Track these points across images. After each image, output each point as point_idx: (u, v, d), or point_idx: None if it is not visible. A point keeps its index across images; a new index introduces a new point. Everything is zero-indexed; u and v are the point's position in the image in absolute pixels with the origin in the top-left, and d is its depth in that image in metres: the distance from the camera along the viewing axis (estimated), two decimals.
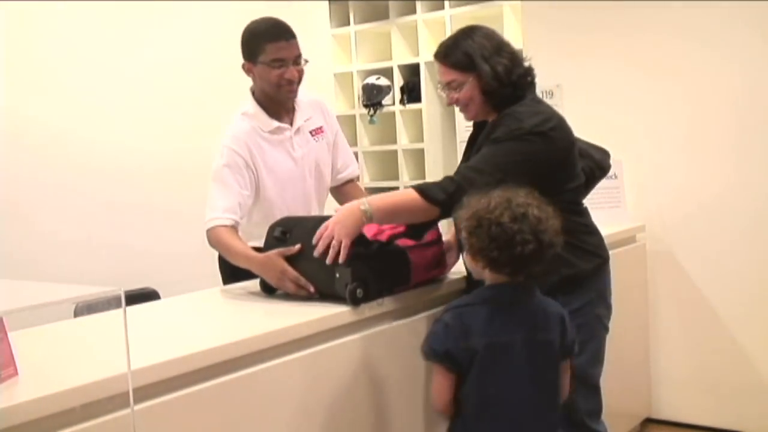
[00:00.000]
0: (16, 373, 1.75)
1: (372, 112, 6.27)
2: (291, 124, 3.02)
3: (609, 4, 4.03)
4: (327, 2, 6.21)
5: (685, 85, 3.89)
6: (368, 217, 2.31)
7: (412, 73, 6.22)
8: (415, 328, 2.45)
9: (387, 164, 6.44)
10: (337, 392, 2.29)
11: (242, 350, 2.03)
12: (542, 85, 4.31)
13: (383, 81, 6.24)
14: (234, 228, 2.82)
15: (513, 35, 5.59)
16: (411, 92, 6.20)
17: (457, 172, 2.41)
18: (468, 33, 2.50)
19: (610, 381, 2.71)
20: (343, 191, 3.28)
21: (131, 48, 4.61)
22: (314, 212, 3.15)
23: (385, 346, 2.43)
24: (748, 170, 3.76)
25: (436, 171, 6.14)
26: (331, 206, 3.32)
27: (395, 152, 6.29)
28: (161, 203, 4.73)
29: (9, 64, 4.04)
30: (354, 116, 6.41)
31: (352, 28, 6.39)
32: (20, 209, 4.12)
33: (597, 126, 4.12)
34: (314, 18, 5.82)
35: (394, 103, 6.26)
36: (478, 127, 2.62)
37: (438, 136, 6.20)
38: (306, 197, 3.09)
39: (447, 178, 2.39)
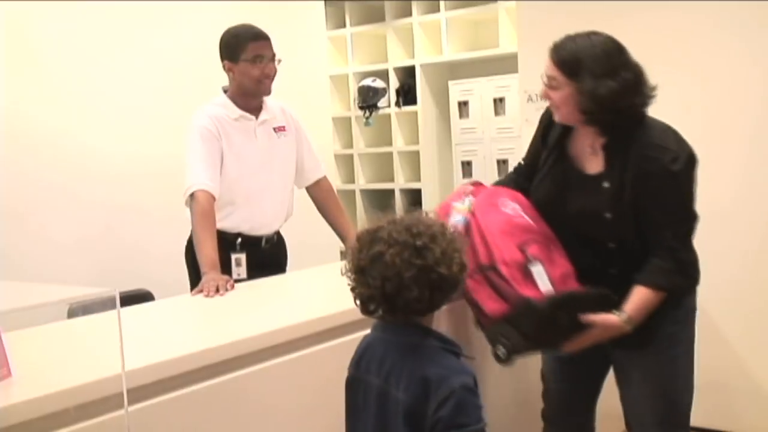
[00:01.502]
0: (10, 374, 1.75)
1: (367, 114, 6.28)
2: (256, 118, 3.21)
3: (604, 5, 4.04)
4: (323, 4, 6.22)
5: (676, 91, 3.90)
6: (628, 323, 2.23)
7: (407, 75, 6.23)
8: None
9: (382, 166, 6.46)
10: (333, 394, 2.29)
11: (236, 351, 2.03)
12: (536, 87, 4.35)
13: (379, 83, 6.26)
14: (213, 199, 3.02)
15: (508, 37, 5.62)
16: (406, 94, 6.22)
17: (662, 245, 2.27)
18: (592, 37, 2.28)
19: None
20: (315, 191, 3.47)
21: (127, 50, 4.60)
22: (277, 204, 3.28)
23: None
24: (745, 176, 3.77)
25: (431, 173, 6.16)
26: (301, 205, 3.38)
27: (390, 154, 6.30)
28: (155, 205, 4.72)
29: (6, 64, 4.04)
30: (349, 118, 6.43)
31: (348, 30, 6.41)
32: (14, 210, 4.11)
33: None
34: (310, 20, 5.82)
35: (389, 105, 6.27)
36: (558, 128, 2.44)
37: (433, 138, 6.22)
38: (268, 187, 3.23)
39: (661, 259, 2.26)
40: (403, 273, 1.67)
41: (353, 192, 6.50)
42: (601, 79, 2.22)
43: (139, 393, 1.80)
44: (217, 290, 2.68)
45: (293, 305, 2.72)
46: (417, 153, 6.20)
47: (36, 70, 4.23)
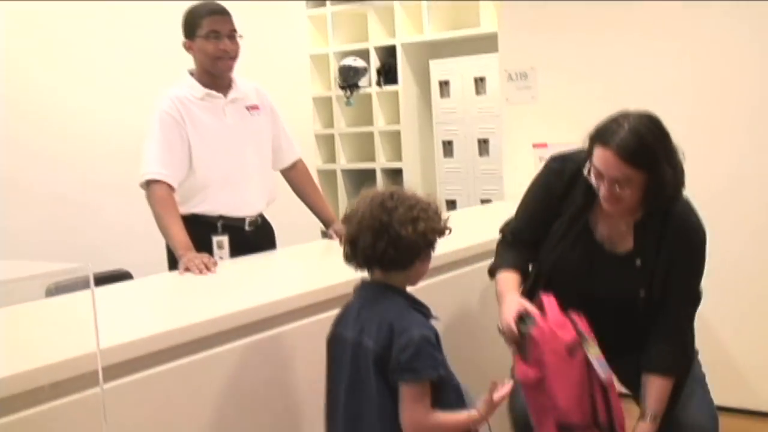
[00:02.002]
0: None
1: (348, 93, 6.27)
2: (225, 96, 3.17)
3: None
4: None
5: (661, 68, 3.91)
6: (655, 420, 2.26)
7: (388, 54, 6.22)
8: None
9: (363, 146, 6.45)
10: (313, 369, 2.30)
11: (213, 329, 2.04)
12: (516, 66, 4.36)
13: (360, 63, 6.24)
14: (171, 189, 2.99)
15: (488, 16, 5.61)
16: (387, 74, 6.21)
17: (674, 324, 2.31)
18: (641, 120, 2.18)
19: None
20: (292, 173, 3.44)
21: (114, 31, 4.57)
22: (256, 185, 3.25)
23: None
24: (717, 155, 3.79)
25: (412, 153, 6.16)
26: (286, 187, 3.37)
27: (371, 134, 6.30)
28: (135, 183, 4.71)
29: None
30: (330, 98, 6.41)
31: (329, 9, 6.38)
32: None
33: (571, 109, 4.15)
34: None
35: (370, 85, 6.25)
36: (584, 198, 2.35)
37: (414, 118, 6.22)
38: (242, 169, 3.19)
39: (671, 343, 2.30)
40: (364, 222, 1.89)
41: (334, 172, 6.50)
42: (674, 164, 2.20)
43: (115, 371, 1.81)
44: (206, 267, 2.67)
45: (272, 283, 2.72)
46: (398, 133, 6.19)
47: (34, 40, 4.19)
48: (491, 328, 2.29)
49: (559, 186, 2.37)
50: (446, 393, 1.90)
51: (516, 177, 4.40)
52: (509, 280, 2.37)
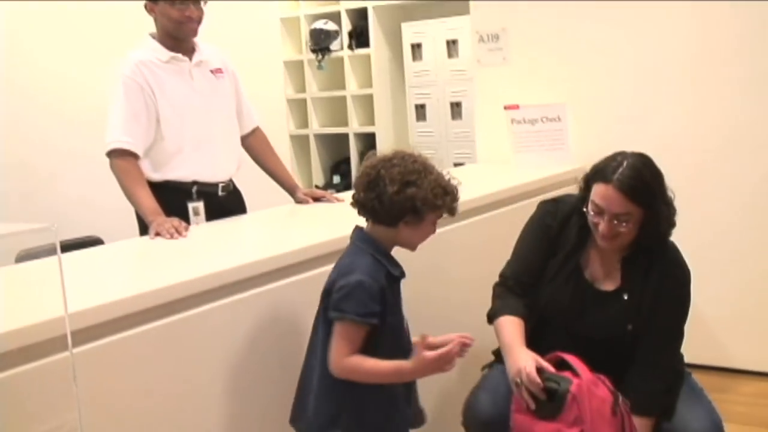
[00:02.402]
0: None
1: (320, 57, 6.21)
2: (190, 59, 3.13)
3: None
4: None
5: (631, 30, 3.91)
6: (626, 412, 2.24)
7: (360, 17, 6.16)
8: None
9: (336, 110, 6.41)
10: (283, 332, 2.30)
11: (183, 292, 2.03)
12: (488, 28, 4.35)
13: (331, 26, 6.18)
14: (136, 157, 2.97)
15: None
16: (359, 37, 6.15)
17: (657, 366, 2.33)
18: (640, 160, 2.27)
19: None
20: (251, 140, 3.40)
21: None
22: (227, 148, 3.24)
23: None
24: (690, 111, 3.82)
25: (385, 117, 6.13)
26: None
27: (344, 98, 6.25)
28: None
29: None
30: (302, 62, 6.35)
31: None
32: None
33: (541, 68, 4.15)
34: None
35: (342, 48, 6.20)
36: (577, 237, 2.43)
37: (386, 82, 6.18)
38: (212, 133, 3.17)
39: (661, 380, 2.32)
40: (366, 170, 1.98)
41: (307, 137, 6.46)
42: (667, 201, 2.30)
43: (84, 335, 1.80)
44: (177, 231, 2.66)
45: (243, 246, 2.71)
46: (370, 97, 6.16)
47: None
48: (460, 289, 2.30)
49: (554, 226, 2.45)
50: (382, 345, 1.96)
51: (488, 139, 4.41)
52: (514, 328, 2.35)
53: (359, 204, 2.01)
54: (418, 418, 2.15)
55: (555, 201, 2.52)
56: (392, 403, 2.01)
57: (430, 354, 1.94)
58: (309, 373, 2.04)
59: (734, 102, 3.72)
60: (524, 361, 2.20)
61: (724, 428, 2.32)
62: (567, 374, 2.18)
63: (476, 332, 2.31)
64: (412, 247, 2.06)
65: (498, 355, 2.47)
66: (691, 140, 3.82)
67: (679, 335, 2.38)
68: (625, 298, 2.34)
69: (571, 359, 2.23)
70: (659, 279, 2.33)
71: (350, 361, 1.93)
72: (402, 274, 2.04)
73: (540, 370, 2.16)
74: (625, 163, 2.24)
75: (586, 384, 2.14)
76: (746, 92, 3.68)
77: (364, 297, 1.92)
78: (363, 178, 1.99)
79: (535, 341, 2.34)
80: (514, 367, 2.22)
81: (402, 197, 1.93)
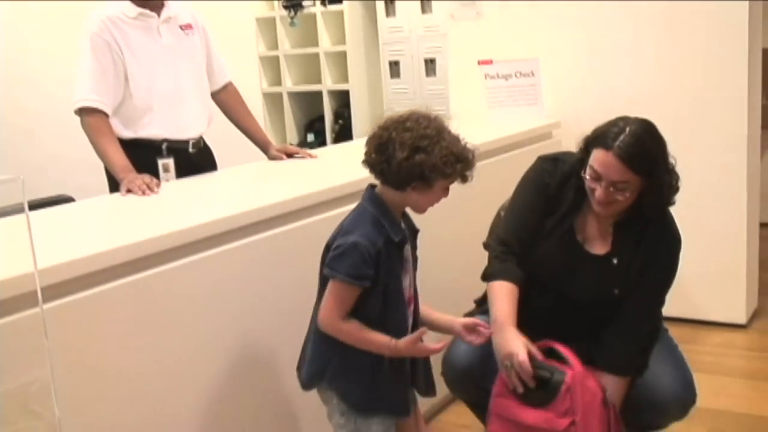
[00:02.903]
0: None
1: (292, 14, 6.14)
2: (158, 15, 3.09)
3: None
4: None
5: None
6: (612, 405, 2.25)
7: None
8: None
9: (309, 68, 6.35)
10: (257, 289, 2.31)
11: (154, 248, 2.02)
12: None
13: None
14: (107, 116, 2.95)
15: None
16: None
17: (638, 330, 2.34)
18: (641, 126, 2.22)
19: None
20: (223, 96, 3.37)
21: None
22: (197, 105, 3.22)
23: (292, 246, 2.44)
24: (666, 65, 3.82)
25: (359, 74, 6.09)
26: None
27: (317, 55, 6.20)
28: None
29: None
30: (274, 18, 6.27)
31: None
32: None
33: (515, 23, 4.14)
34: None
35: (314, 4, 6.13)
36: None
37: (360, 39, 6.13)
38: (182, 90, 3.15)
39: (637, 343, 2.33)
40: (377, 131, 1.96)
41: (280, 95, 6.40)
42: (670, 170, 2.26)
43: (55, 290, 1.79)
44: (148, 187, 2.64)
45: (215, 202, 2.70)
46: (344, 53, 6.10)
47: None
48: (436, 247, 2.30)
49: (552, 185, 2.40)
50: (373, 307, 1.97)
51: (462, 95, 4.40)
52: (508, 300, 2.30)
53: (369, 165, 1.98)
54: (431, 390, 2.16)
55: (554, 159, 2.46)
56: (378, 363, 2.00)
57: (424, 347, 1.98)
58: (311, 325, 2.07)
59: (708, 55, 3.73)
60: (516, 347, 2.17)
61: (696, 386, 2.35)
62: (558, 364, 2.19)
63: (456, 290, 2.33)
64: (420, 210, 2.04)
65: (479, 304, 2.48)
66: (663, 94, 3.83)
67: (662, 300, 2.40)
68: (615, 262, 2.34)
69: (562, 349, 2.23)
70: (652, 245, 2.32)
71: (344, 324, 1.95)
72: (403, 240, 2.01)
73: (531, 357, 2.16)
74: (627, 130, 2.18)
75: (579, 376, 2.16)
76: (720, 44, 3.69)
77: (358, 259, 1.91)
78: (374, 140, 1.96)
79: (521, 300, 2.34)
80: (504, 349, 2.19)
81: (410, 164, 1.90)
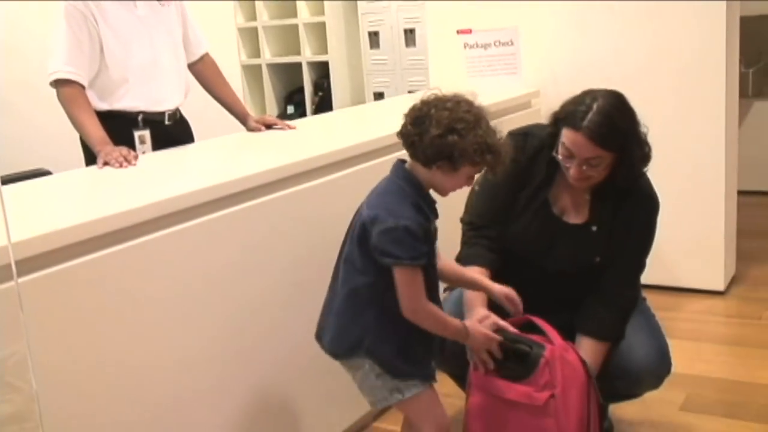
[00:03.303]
0: None
1: None
2: None
3: None
4: None
5: None
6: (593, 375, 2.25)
7: None
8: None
9: (288, 39, 6.32)
10: (237, 260, 2.30)
11: (131, 220, 2.00)
12: None
13: None
14: (83, 88, 2.92)
15: None
16: None
17: (621, 295, 2.37)
18: (620, 108, 2.22)
19: None
20: (200, 67, 3.34)
21: None
22: (173, 77, 3.18)
23: (270, 218, 2.44)
24: (643, 34, 3.82)
25: (338, 45, 6.06)
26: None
27: (296, 26, 6.16)
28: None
29: None
30: None
31: None
32: None
33: None
34: None
35: None
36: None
37: (339, 9, 6.09)
38: (158, 63, 3.12)
39: (617, 311, 2.35)
40: (418, 105, 1.96)
41: (259, 67, 6.37)
42: (641, 142, 2.25)
43: (31, 264, 1.77)
44: (126, 160, 2.62)
45: (192, 173, 2.69)
46: (323, 24, 6.07)
47: None
48: None
49: (523, 160, 2.38)
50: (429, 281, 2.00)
51: (441, 65, 4.38)
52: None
53: (403, 136, 1.98)
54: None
55: (524, 134, 2.45)
56: (411, 333, 2.01)
57: (491, 335, 2.11)
58: (332, 296, 2.09)
59: (687, 23, 3.72)
60: (479, 324, 2.18)
61: (671, 356, 2.37)
62: (537, 338, 2.19)
63: None
64: (443, 192, 2.03)
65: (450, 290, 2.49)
66: (641, 63, 3.83)
67: (642, 264, 2.41)
68: (594, 230, 2.35)
69: (541, 323, 2.23)
70: (630, 210, 2.33)
71: (429, 306, 1.98)
72: (436, 216, 2.04)
73: (503, 332, 2.17)
74: (594, 107, 2.17)
75: (559, 350, 2.16)
76: (698, 13, 3.69)
77: (413, 241, 1.92)
78: (413, 112, 1.96)
79: (501, 276, 2.34)
80: (474, 333, 2.19)
81: (442, 142, 1.90)
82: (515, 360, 2.16)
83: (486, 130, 1.94)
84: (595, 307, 2.34)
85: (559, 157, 2.25)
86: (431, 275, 2.03)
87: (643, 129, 2.27)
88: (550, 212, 2.38)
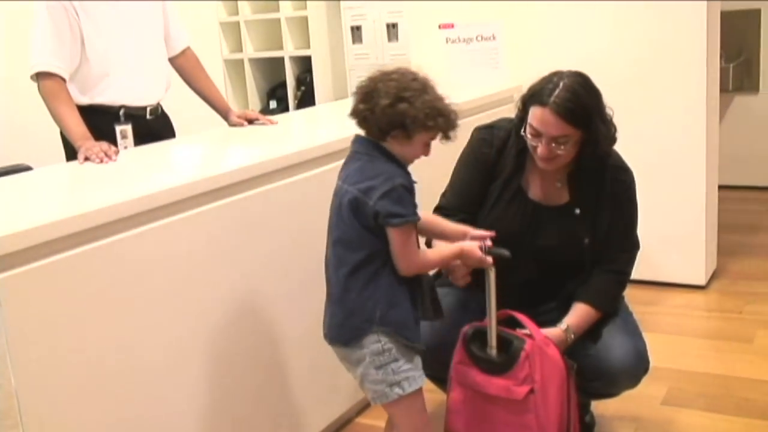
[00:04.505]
0: None
1: None
2: None
3: None
4: None
5: None
6: (571, 340, 2.29)
7: None
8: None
9: (270, 33, 6.29)
10: (220, 254, 2.29)
11: (112, 216, 1.99)
12: None
13: None
14: (64, 81, 2.90)
15: None
16: None
17: (615, 267, 2.39)
18: (577, 80, 2.23)
19: None
20: (182, 61, 3.32)
21: None
22: (154, 71, 3.17)
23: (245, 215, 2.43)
24: (625, 28, 3.83)
25: (320, 40, 6.04)
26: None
27: (278, 21, 6.13)
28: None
29: None
30: None
31: None
32: None
33: None
34: None
35: None
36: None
37: (321, 3, 6.07)
38: (139, 56, 3.10)
39: (611, 283, 2.39)
40: (365, 80, 2.01)
41: (241, 61, 6.33)
42: (606, 120, 2.27)
43: (10, 260, 1.75)
44: (106, 155, 2.60)
45: (174, 168, 2.68)
46: (305, 19, 6.04)
47: None
48: None
49: (491, 153, 2.42)
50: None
51: (424, 60, 4.37)
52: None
53: (355, 114, 2.02)
54: (438, 312, 2.16)
55: (490, 127, 2.48)
56: (417, 296, 2.07)
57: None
58: (329, 289, 2.11)
59: (668, 19, 3.74)
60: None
61: (648, 355, 2.37)
62: (518, 333, 2.20)
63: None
64: (403, 162, 2.05)
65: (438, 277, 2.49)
66: (623, 58, 3.84)
67: (635, 242, 2.43)
68: (577, 212, 2.36)
69: (521, 318, 2.23)
70: (608, 190, 2.35)
71: (423, 258, 2.05)
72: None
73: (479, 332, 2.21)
74: (561, 84, 2.20)
75: (539, 344, 2.16)
76: (679, 7, 3.70)
77: (409, 197, 1.99)
78: (362, 89, 2.01)
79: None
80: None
81: (393, 111, 1.95)
82: (497, 350, 2.17)
83: (434, 96, 2.00)
84: (595, 281, 2.36)
85: (528, 136, 2.27)
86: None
87: (608, 111, 2.29)
88: (527, 198, 2.40)
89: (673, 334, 3.45)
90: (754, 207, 5.26)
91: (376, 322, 2.01)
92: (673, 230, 3.88)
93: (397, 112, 1.95)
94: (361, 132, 2.06)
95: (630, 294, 2.53)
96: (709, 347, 3.38)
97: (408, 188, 1.99)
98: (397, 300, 2.03)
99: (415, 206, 2.00)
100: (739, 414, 2.78)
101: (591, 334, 2.35)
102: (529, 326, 2.21)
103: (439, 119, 1.98)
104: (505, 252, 2.14)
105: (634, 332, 2.39)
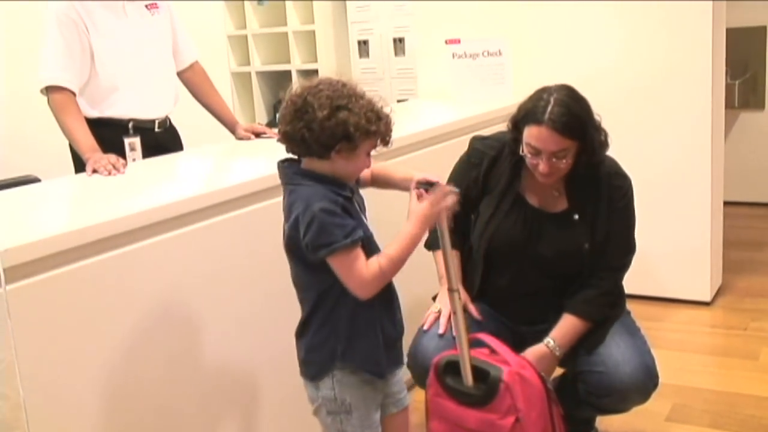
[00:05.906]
0: None
1: None
2: None
3: None
4: None
5: None
6: (558, 353, 2.32)
7: None
8: None
9: (278, 47, 6.32)
10: (224, 268, 2.30)
11: (120, 228, 2.00)
12: None
13: None
14: (74, 95, 2.93)
15: None
16: None
17: (606, 276, 2.40)
18: (567, 93, 2.26)
19: None
20: (189, 75, 3.35)
21: None
22: (163, 85, 3.20)
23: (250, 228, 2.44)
24: (631, 45, 3.84)
25: (327, 53, 6.06)
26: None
27: (285, 35, 6.16)
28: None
29: None
30: None
31: None
32: None
33: (482, 4, 4.13)
34: None
35: None
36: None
37: (329, 17, 6.10)
38: (148, 70, 3.13)
39: (601, 291, 2.38)
40: (291, 98, 1.82)
41: (249, 74, 6.37)
42: (598, 128, 2.30)
43: (19, 271, 1.77)
44: (114, 167, 2.62)
45: (181, 182, 2.69)
46: (312, 33, 6.08)
47: None
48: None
49: (485, 162, 2.44)
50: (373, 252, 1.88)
51: (430, 75, 4.40)
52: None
53: (287, 137, 1.83)
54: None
55: (486, 138, 2.52)
56: (378, 325, 1.93)
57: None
58: (298, 328, 1.99)
59: (673, 35, 3.75)
60: (442, 304, 2.30)
61: (657, 371, 2.36)
62: (491, 359, 2.12)
63: (422, 271, 2.34)
64: (350, 178, 1.92)
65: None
66: (628, 76, 3.86)
67: (632, 246, 2.43)
68: (576, 218, 2.38)
69: (490, 341, 2.18)
70: (606, 194, 2.37)
71: (374, 270, 1.82)
72: (352, 191, 1.91)
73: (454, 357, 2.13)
74: (552, 100, 2.22)
75: (516, 370, 2.09)
76: (684, 24, 3.72)
77: (336, 219, 1.79)
78: (289, 108, 1.82)
79: (488, 280, 2.41)
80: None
81: (333, 122, 1.77)
82: (474, 380, 2.08)
83: (368, 100, 1.84)
84: (584, 289, 2.37)
85: (527, 155, 2.29)
86: (372, 246, 1.90)
87: (597, 117, 2.32)
88: (528, 205, 2.42)
89: (678, 350, 3.45)
90: (759, 223, 5.26)
91: (338, 358, 1.90)
92: (678, 246, 3.88)
93: (339, 121, 1.78)
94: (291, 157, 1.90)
95: (635, 310, 2.53)
96: (714, 364, 3.37)
97: (329, 210, 1.79)
98: (359, 331, 1.90)
99: (345, 226, 1.80)
100: (744, 431, 2.77)
101: (597, 344, 2.36)
102: (501, 350, 2.15)
103: (380, 123, 1.83)
104: (433, 178, 1.99)
105: (642, 348, 2.39)
